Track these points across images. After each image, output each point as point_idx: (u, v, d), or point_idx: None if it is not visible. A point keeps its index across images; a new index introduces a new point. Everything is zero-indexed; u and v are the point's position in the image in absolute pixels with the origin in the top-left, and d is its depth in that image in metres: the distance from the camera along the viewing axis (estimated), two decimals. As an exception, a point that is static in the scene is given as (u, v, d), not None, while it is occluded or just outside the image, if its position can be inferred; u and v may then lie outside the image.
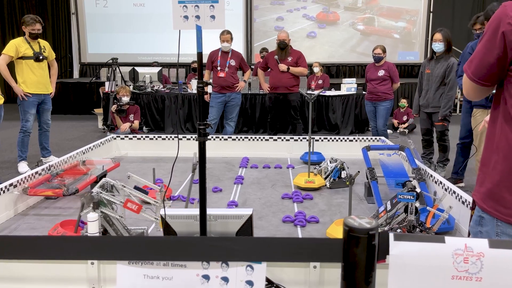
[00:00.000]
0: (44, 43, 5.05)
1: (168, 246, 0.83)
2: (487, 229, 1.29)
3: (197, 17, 1.77)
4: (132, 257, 0.84)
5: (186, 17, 1.77)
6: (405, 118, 8.05)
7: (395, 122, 8.09)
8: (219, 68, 5.91)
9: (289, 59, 5.87)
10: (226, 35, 5.85)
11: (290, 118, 6.19)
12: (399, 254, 0.81)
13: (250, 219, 2.06)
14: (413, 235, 0.83)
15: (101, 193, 2.74)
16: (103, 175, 4.06)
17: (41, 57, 4.90)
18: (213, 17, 1.77)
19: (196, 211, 2.03)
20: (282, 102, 6.01)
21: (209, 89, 7.56)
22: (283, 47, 5.85)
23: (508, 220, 1.23)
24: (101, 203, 2.68)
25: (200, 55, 1.94)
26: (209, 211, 2.03)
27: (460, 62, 4.28)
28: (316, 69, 8.29)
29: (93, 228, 2.47)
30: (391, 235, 0.81)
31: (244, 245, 0.80)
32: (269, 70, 6.10)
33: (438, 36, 4.57)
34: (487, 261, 0.80)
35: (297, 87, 5.96)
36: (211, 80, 6.07)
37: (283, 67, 5.79)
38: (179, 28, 1.78)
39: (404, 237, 0.81)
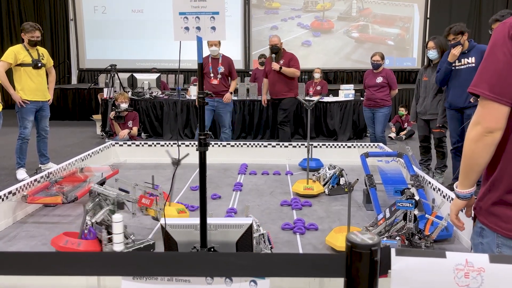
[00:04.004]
0: (42, 50, 5.05)
1: (172, 261, 0.84)
2: (487, 240, 1.31)
3: (198, 28, 1.78)
4: (137, 272, 0.85)
5: (187, 28, 1.79)
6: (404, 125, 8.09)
7: (393, 129, 8.09)
8: (211, 75, 5.92)
9: (281, 61, 5.99)
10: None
11: (277, 122, 6.32)
12: (401, 269, 0.82)
13: (250, 228, 2.07)
14: (415, 250, 0.84)
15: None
16: (102, 182, 4.06)
17: (39, 64, 4.90)
18: (213, 28, 1.78)
19: (196, 220, 2.04)
20: (277, 107, 6.18)
21: (192, 91, 7.60)
22: (276, 51, 5.97)
23: (508, 234, 1.25)
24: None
25: (200, 66, 1.95)
26: (209, 220, 2.04)
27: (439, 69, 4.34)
28: (317, 75, 8.28)
29: (117, 229, 2.55)
30: (392, 250, 0.82)
31: (248, 260, 0.81)
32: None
33: (431, 44, 4.62)
34: (487, 276, 0.81)
35: (290, 93, 6.03)
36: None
37: (275, 65, 5.90)
38: (180, 39, 1.79)
39: (405, 252, 0.82)
